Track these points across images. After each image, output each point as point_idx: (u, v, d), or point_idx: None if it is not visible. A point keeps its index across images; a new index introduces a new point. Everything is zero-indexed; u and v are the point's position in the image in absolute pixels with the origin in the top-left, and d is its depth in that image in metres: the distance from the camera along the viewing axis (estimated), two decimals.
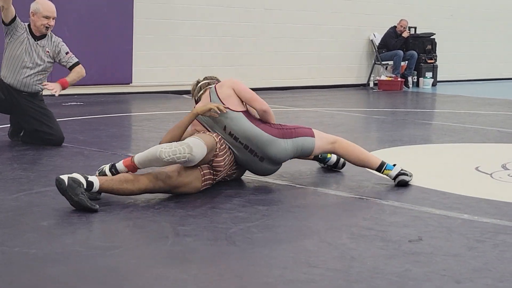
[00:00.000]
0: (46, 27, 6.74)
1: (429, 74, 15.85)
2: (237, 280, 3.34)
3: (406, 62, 15.32)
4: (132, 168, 4.75)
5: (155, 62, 12.52)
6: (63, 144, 6.74)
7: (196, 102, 5.45)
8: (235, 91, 5.22)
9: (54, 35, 6.88)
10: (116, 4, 11.97)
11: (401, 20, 15.21)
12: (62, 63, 6.86)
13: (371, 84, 15.40)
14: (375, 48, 15.36)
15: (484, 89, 15.69)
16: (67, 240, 3.81)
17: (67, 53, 6.85)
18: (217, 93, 5.23)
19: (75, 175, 4.44)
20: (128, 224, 4.27)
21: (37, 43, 6.77)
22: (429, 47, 15.89)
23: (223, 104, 5.16)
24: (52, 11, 6.76)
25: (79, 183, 4.40)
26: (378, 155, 6.65)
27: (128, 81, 12.24)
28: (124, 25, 12.08)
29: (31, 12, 6.74)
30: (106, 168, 4.81)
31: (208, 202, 4.72)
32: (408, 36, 15.28)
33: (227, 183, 5.28)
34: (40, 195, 4.86)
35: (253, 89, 5.46)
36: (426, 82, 15.75)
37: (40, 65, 6.75)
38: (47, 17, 6.71)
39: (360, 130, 9.10)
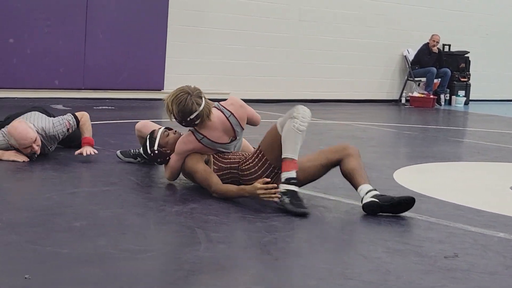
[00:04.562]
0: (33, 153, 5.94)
1: (462, 93, 15.74)
2: None
3: (439, 79, 15.22)
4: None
5: (187, 69, 12.51)
6: (94, 146, 6.69)
7: (190, 123, 5.34)
8: (247, 114, 5.37)
9: None
10: (151, 9, 12.00)
11: (433, 35, 15.09)
12: None
13: (403, 100, 15.31)
14: (408, 64, 15.28)
15: None
16: (99, 242, 3.77)
17: None
18: (237, 119, 5.25)
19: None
20: (161, 229, 4.23)
21: None
22: (462, 65, 15.79)
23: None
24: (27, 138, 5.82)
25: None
26: (411, 170, 6.63)
27: (160, 87, 12.24)
28: (158, 31, 12.11)
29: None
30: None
31: (241, 210, 4.67)
32: (438, 52, 15.15)
33: None
34: (72, 195, 4.84)
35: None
36: (459, 101, 15.64)
37: None
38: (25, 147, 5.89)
39: (392, 145, 9.03)
